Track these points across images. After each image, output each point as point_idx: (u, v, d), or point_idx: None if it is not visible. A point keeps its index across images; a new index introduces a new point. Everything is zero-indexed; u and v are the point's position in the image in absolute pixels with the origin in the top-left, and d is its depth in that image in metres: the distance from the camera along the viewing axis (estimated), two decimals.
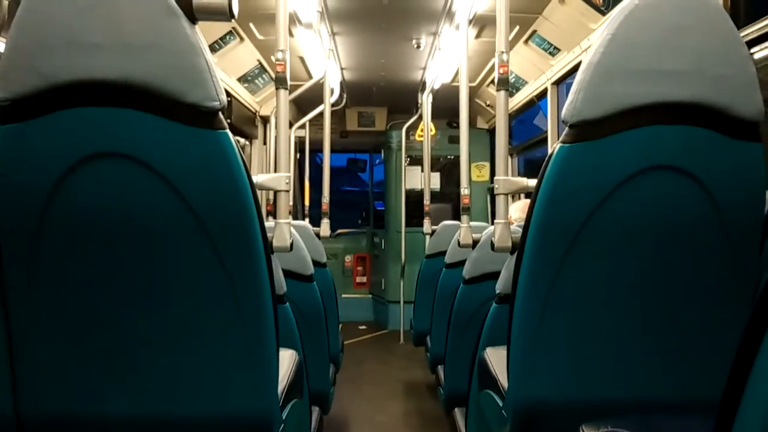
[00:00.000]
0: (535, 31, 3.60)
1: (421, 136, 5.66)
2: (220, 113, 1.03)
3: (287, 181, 1.70)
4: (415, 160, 6.01)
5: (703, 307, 1.19)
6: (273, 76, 4.62)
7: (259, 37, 3.79)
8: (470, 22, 3.12)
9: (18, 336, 1.10)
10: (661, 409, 1.20)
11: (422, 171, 5.60)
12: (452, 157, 6.23)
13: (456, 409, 2.43)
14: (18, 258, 1.07)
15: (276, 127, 1.78)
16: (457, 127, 6.05)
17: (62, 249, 1.06)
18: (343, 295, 6.00)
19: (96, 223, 1.05)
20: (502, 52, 1.78)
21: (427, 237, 4.39)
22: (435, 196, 5.20)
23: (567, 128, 1.12)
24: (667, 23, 1.10)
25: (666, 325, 1.19)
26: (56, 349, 1.11)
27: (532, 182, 1.76)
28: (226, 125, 1.04)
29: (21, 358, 1.11)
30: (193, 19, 1.01)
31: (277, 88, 1.76)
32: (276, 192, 1.70)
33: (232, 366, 1.12)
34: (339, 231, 6.50)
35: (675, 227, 1.14)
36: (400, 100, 5.76)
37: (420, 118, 5.47)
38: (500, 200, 1.72)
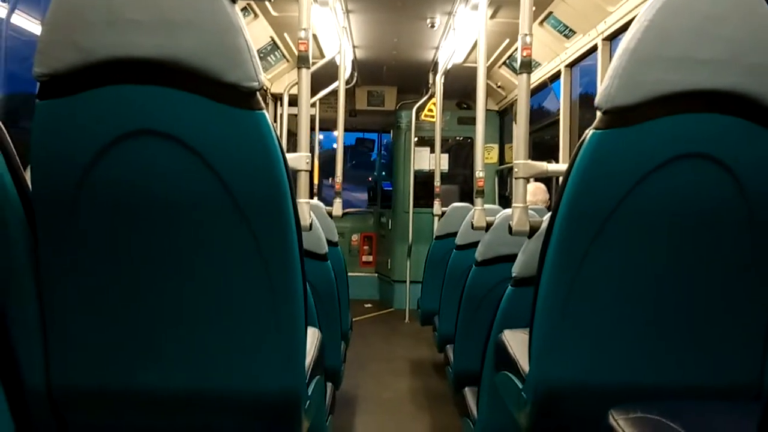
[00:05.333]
0: (551, 13, 3.57)
1: (428, 115, 5.65)
2: (258, 93, 1.04)
3: (307, 160, 1.71)
4: (424, 141, 6.01)
5: (728, 295, 1.20)
6: (285, 53, 4.63)
7: (274, 13, 3.76)
8: (487, 1, 3.10)
9: (50, 309, 1.12)
10: (684, 395, 1.22)
11: (431, 152, 5.61)
12: (461, 138, 6.22)
13: (466, 389, 2.46)
14: (53, 231, 1.08)
15: (293, 105, 1.79)
16: (467, 108, 6.05)
17: (97, 223, 1.07)
18: (349, 274, 6.05)
19: (132, 200, 1.06)
20: (526, 35, 1.78)
21: (436, 218, 4.41)
22: (443, 178, 5.21)
23: (600, 114, 1.13)
24: (703, 11, 1.09)
25: (691, 312, 1.21)
26: (89, 323, 1.13)
27: (552, 167, 1.77)
28: (264, 105, 1.04)
29: (53, 331, 1.13)
30: None
31: (299, 67, 1.75)
32: (296, 171, 1.71)
33: (264, 342, 1.14)
34: (346, 210, 6.53)
35: (705, 215, 1.15)
36: (411, 79, 5.74)
37: (429, 98, 5.45)
38: (519, 184, 1.73)
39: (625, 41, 1.11)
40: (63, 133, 1.02)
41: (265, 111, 1.04)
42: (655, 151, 1.12)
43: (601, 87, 1.13)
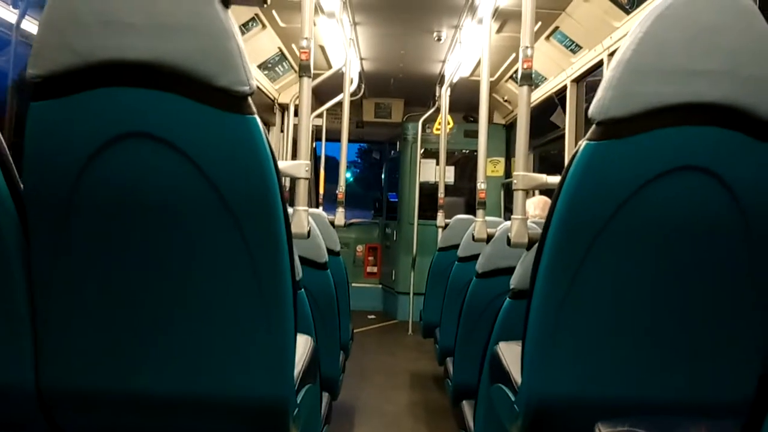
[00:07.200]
0: (557, 28, 3.58)
1: (439, 129, 5.67)
2: (249, 98, 1.04)
3: (307, 168, 1.71)
4: (430, 153, 6.02)
5: (722, 310, 1.18)
6: (293, 64, 4.68)
7: (282, 24, 3.80)
8: (493, 16, 3.11)
9: (42, 310, 1.12)
10: (676, 411, 1.21)
11: (437, 164, 5.62)
12: (467, 151, 6.23)
13: (464, 402, 2.44)
14: (45, 233, 1.09)
15: (297, 115, 1.80)
16: (474, 121, 6.06)
17: (90, 226, 1.08)
18: (354, 284, 6.05)
19: (124, 202, 1.07)
20: (527, 47, 1.78)
21: (440, 230, 4.40)
22: (448, 190, 5.21)
23: (594, 126, 1.12)
24: (699, 23, 1.09)
25: (684, 326, 1.19)
26: (79, 324, 1.13)
27: (552, 179, 1.77)
28: (255, 110, 1.05)
29: (44, 332, 1.13)
30: (226, 4, 1.03)
31: (300, 76, 1.77)
32: (295, 179, 1.71)
33: (252, 348, 1.13)
34: (351, 221, 6.55)
35: (699, 229, 1.14)
36: (418, 92, 5.76)
37: (436, 111, 5.47)
38: (518, 196, 1.72)
39: (620, 53, 1.11)
40: (56, 135, 1.03)
41: (256, 116, 1.05)
42: (649, 164, 1.11)
43: (595, 98, 1.12)
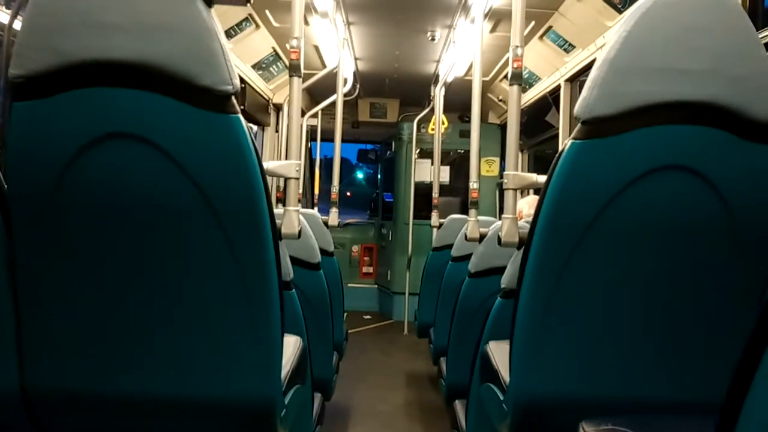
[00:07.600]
0: (550, 27, 3.59)
1: (434, 129, 5.67)
2: (233, 97, 1.04)
3: (297, 168, 1.71)
4: (426, 153, 6.02)
5: (709, 309, 1.18)
6: (287, 63, 4.66)
7: (275, 24, 3.79)
8: (485, 15, 3.11)
9: (26, 311, 1.12)
10: (662, 410, 1.20)
11: (432, 164, 5.62)
12: (462, 151, 6.22)
13: (457, 401, 2.44)
14: (29, 233, 1.08)
15: (288, 115, 1.80)
16: (469, 121, 6.05)
17: (74, 226, 1.08)
18: (349, 285, 6.04)
19: (107, 202, 1.06)
20: (517, 47, 1.78)
21: (434, 230, 4.40)
22: (444, 190, 5.20)
23: (579, 125, 1.12)
24: (684, 22, 1.09)
25: (671, 325, 1.19)
26: (64, 326, 1.13)
27: (542, 178, 1.76)
28: (239, 110, 1.05)
29: (29, 333, 1.13)
30: (209, 3, 1.02)
31: (290, 76, 1.77)
32: (286, 179, 1.71)
33: (236, 349, 1.13)
34: (347, 221, 6.54)
35: (685, 228, 1.14)
36: (413, 92, 5.76)
37: (432, 111, 5.47)
38: (509, 195, 1.72)
39: (605, 51, 1.11)
40: (39, 135, 1.03)
41: (239, 115, 1.04)
42: (634, 162, 1.11)
43: (580, 97, 1.12)
